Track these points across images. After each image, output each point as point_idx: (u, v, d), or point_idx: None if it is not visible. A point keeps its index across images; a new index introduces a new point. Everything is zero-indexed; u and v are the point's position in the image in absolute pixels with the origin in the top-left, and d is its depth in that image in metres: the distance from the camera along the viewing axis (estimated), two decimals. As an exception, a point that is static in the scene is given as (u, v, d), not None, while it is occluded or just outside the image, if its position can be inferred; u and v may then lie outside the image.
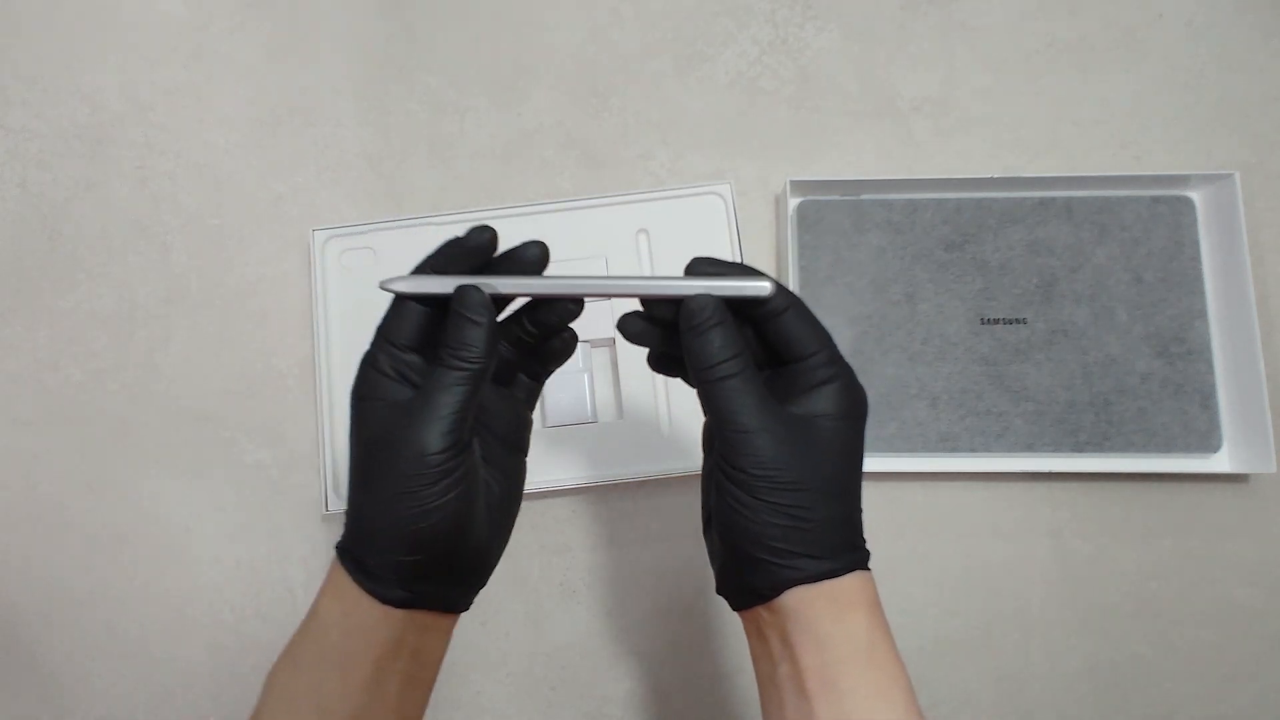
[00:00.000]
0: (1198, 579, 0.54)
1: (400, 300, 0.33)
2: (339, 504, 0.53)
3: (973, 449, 0.53)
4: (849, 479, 0.32)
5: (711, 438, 0.34)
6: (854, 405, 0.32)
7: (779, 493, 0.30)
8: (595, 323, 0.54)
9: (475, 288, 0.32)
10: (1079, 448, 0.53)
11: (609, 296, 0.34)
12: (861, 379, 0.55)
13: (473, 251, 0.33)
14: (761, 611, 0.32)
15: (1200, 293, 0.54)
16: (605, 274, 0.33)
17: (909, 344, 0.54)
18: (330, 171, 0.59)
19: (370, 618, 0.31)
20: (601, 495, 0.55)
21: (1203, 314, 0.54)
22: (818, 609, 0.30)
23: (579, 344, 0.54)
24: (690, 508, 0.55)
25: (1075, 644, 0.53)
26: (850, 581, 0.31)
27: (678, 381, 0.36)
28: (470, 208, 0.56)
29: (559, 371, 0.53)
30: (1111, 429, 0.53)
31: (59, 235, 0.59)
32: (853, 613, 0.30)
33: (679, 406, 0.54)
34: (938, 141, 0.58)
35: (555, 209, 0.56)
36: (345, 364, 0.54)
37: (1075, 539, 0.54)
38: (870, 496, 0.56)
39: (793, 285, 0.54)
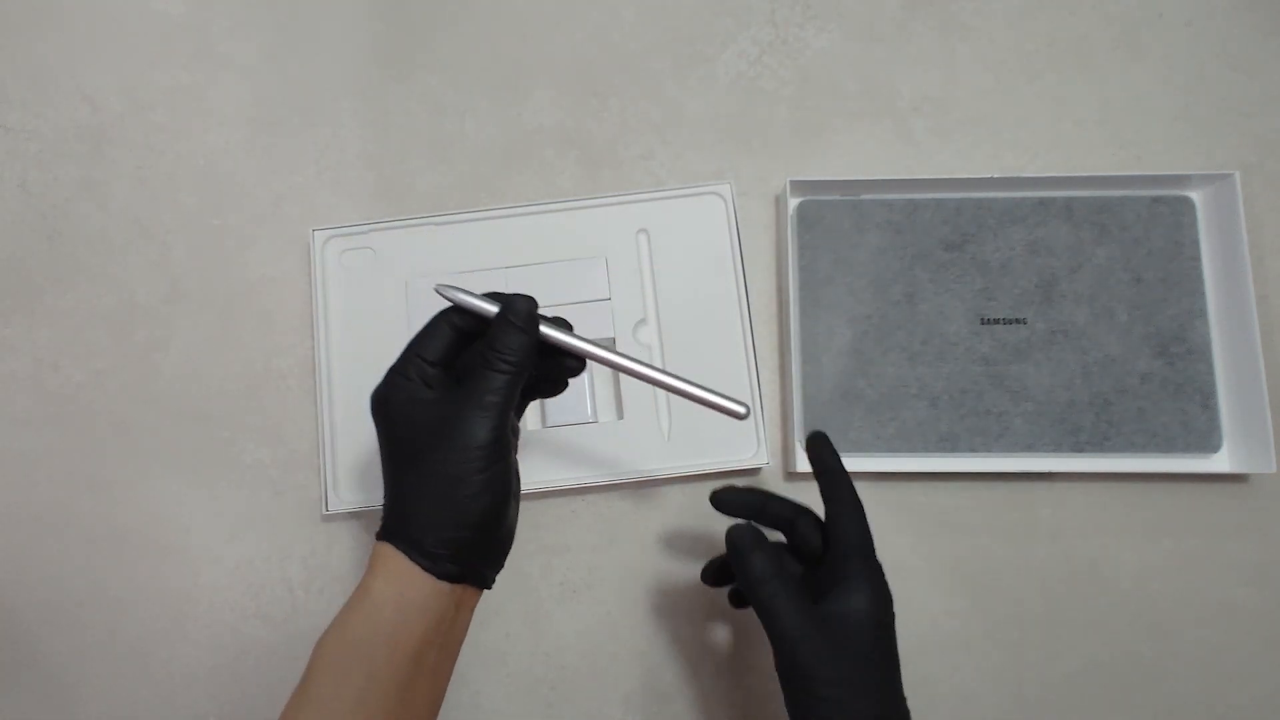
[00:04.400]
0: (1198, 579, 0.54)
1: (437, 319, 0.38)
2: (339, 504, 0.53)
3: (973, 449, 0.53)
4: (883, 677, 0.38)
5: None
6: (882, 604, 0.39)
7: (821, 687, 0.36)
8: (595, 322, 0.54)
9: (527, 297, 0.37)
10: (1079, 448, 0.53)
11: (621, 371, 0.38)
12: (861, 379, 0.56)
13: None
14: None
15: (1200, 293, 0.54)
16: (625, 355, 0.39)
17: (909, 344, 0.54)
18: (330, 171, 0.59)
19: (423, 594, 0.35)
20: (601, 495, 0.55)
21: (1203, 314, 0.54)
22: None
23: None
24: (690, 508, 0.55)
25: (1075, 644, 0.53)
26: None
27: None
28: (470, 208, 0.56)
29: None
30: (1111, 429, 0.53)
31: (59, 235, 0.59)
32: None
33: (679, 408, 0.54)
34: (938, 141, 0.58)
35: (555, 209, 0.56)
36: (345, 364, 0.54)
37: (1075, 539, 0.54)
38: (870, 496, 0.56)
39: (793, 285, 0.54)
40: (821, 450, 0.42)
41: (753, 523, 0.41)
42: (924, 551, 0.54)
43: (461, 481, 0.35)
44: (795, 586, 0.38)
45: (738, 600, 0.49)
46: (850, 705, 0.36)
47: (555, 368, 0.39)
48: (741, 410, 0.33)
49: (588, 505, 0.55)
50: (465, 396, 0.35)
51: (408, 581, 0.35)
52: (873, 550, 0.40)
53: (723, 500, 0.44)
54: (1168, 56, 0.59)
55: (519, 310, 0.36)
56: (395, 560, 0.35)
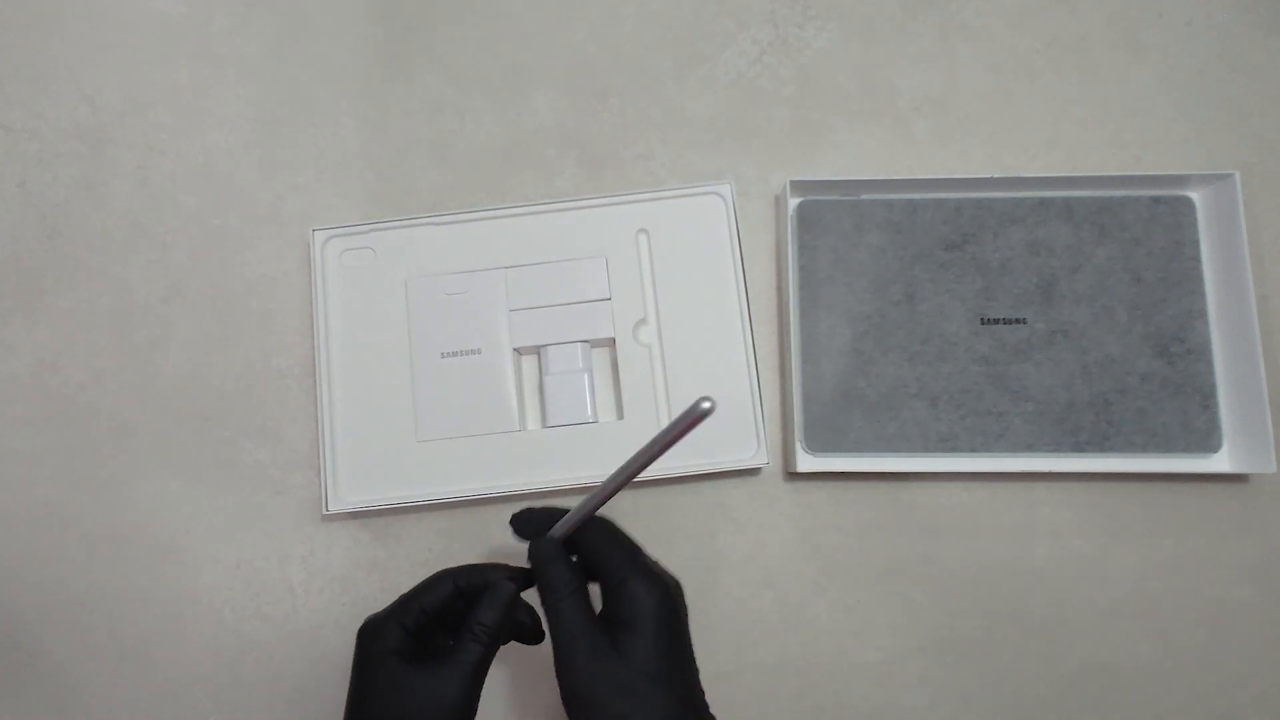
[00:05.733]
0: (1198, 579, 0.54)
1: (444, 576, 0.41)
2: (339, 504, 0.53)
3: (973, 449, 0.53)
4: (672, 679, 0.37)
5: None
6: (659, 596, 0.38)
7: (602, 696, 0.36)
8: (596, 323, 0.54)
9: (511, 583, 0.41)
10: (1079, 448, 0.53)
11: (612, 492, 0.38)
12: (862, 379, 0.55)
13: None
14: None
15: (1200, 293, 0.54)
16: (603, 488, 0.38)
17: (909, 344, 0.54)
18: (330, 171, 0.59)
19: None
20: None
21: (1203, 314, 0.54)
22: None
23: (578, 344, 0.54)
24: (690, 508, 0.55)
25: (1075, 644, 0.53)
26: None
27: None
28: (470, 207, 0.56)
29: (559, 371, 0.54)
30: (1111, 429, 0.53)
31: (59, 235, 0.59)
32: None
33: (678, 409, 0.54)
34: (938, 141, 0.58)
35: (555, 209, 0.56)
36: (345, 364, 0.54)
37: (1075, 539, 0.54)
38: (870, 496, 0.56)
39: (792, 285, 0.54)
40: (524, 527, 0.41)
41: (557, 540, 0.40)
42: (924, 551, 0.54)
43: None
44: (583, 600, 0.38)
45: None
46: (633, 717, 0.35)
47: (521, 633, 0.43)
48: (707, 405, 0.33)
49: (588, 505, 0.55)
50: (446, 657, 0.38)
51: None
52: (639, 552, 0.40)
53: (526, 522, 0.42)
54: (1168, 56, 0.59)
55: (500, 594, 0.40)
56: None
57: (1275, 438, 0.50)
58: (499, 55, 0.60)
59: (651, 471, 0.52)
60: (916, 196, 0.55)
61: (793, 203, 0.56)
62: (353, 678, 0.40)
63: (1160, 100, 0.59)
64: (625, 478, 0.37)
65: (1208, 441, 0.53)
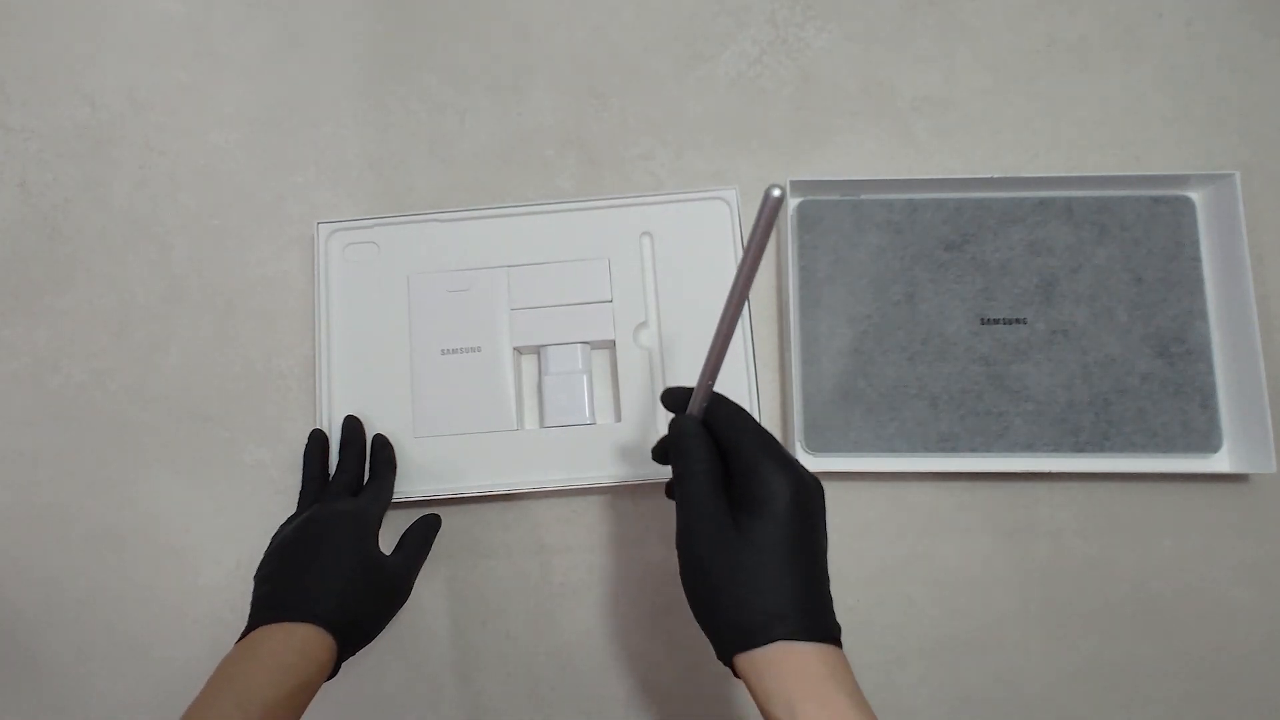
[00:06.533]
0: (1198, 579, 0.54)
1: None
2: (339, 504, 0.53)
3: (973, 449, 0.53)
4: (796, 570, 0.34)
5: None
6: (795, 489, 0.35)
7: (716, 576, 0.35)
8: (597, 324, 0.54)
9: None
10: (1079, 448, 0.53)
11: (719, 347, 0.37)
12: (862, 379, 0.55)
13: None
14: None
15: (1200, 293, 0.54)
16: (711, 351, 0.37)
17: (909, 344, 0.54)
18: (330, 171, 0.59)
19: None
20: (601, 495, 0.55)
21: (1203, 314, 0.54)
22: (758, 668, 0.34)
23: (578, 345, 0.54)
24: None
25: (1075, 644, 0.53)
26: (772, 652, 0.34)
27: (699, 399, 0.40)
28: (470, 207, 0.56)
29: (559, 372, 0.54)
30: (1111, 429, 0.53)
31: (59, 235, 0.59)
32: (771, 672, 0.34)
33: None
34: (938, 141, 0.58)
35: (557, 209, 0.56)
36: (346, 360, 0.54)
37: (1075, 539, 0.54)
38: (870, 496, 0.56)
39: (792, 285, 0.54)
40: (673, 403, 0.40)
41: (698, 417, 0.39)
42: (924, 551, 0.54)
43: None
44: (716, 477, 0.37)
45: (670, 490, 0.44)
46: (749, 600, 0.34)
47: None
48: (776, 193, 0.29)
49: (587, 505, 0.55)
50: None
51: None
52: (775, 442, 0.38)
53: (674, 397, 0.41)
54: (1168, 56, 0.59)
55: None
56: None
57: (1275, 438, 0.50)
58: (499, 55, 0.60)
59: (649, 475, 0.53)
60: (916, 196, 0.55)
61: (793, 203, 0.56)
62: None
63: (1160, 100, 0.59)
64: (735, 307, 0.35)
65: (1208, 441, 0.53)
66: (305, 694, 0.40)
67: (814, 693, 0.32)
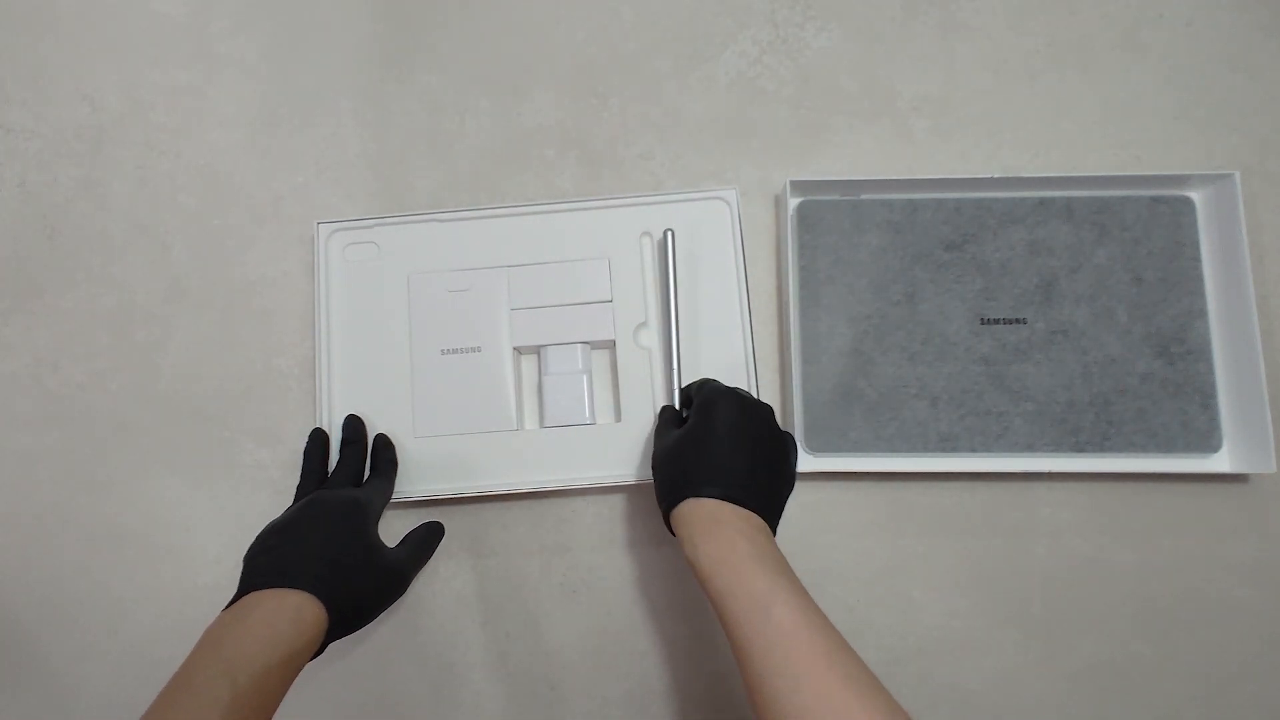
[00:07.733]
0: (1198, 579, 0.54)
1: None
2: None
3: (973, 449, 0.53)
4: (731, 462, 0.44)
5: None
6: (719, 405, 0.45)
7: (662, 466, 0.46)
8: (597, 324, 0.54)
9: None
10: (1079, 448, 0.53)
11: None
12: (862, 379, 0.56)
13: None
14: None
15: (1200, 293, 0.54)
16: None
17: (909, 344, 0.54)
18: (330, 171, 0.59)
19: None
20: (601, 496, 0.55)
21: (1203, 314, 0.54)
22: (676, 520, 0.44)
23: (578, 345, 0.54)
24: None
25: (1075, 644, 0.53)
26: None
27: (676, 388, 0.51)
28: (470, 207, 0.56)
29: (559, 372, 0.54)
30: (1111, 429, 0.53)
31: (59, 235, 0.59)
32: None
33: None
34: (938, 141, 0.58)
35: (560, 209, 0.56)
36: (346, 360, 0.54)
37: (1075, 539, 0.54)
38: (870, 496, 0.56)
39: (792, 285, 0.54)
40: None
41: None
42: (924, 551, 0.54)
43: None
44: (676, 413, 0.50)
45: None
46: (671, 474, 0.44)
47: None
48: (667, 233, 0.46)
49: (587, 505, 0.55)
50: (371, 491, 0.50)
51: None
52: (713, 381, 0.49)
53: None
54: (1168, 56, 0.59)
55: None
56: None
57: (1275, 438, 0.50)
58: (499, 55, 0.60)
59: (648, 475, 0.52)
60: (916, 196, 0.55)
61: (793, 203, 0.56)
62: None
63: (1160, 100, 0.59)
64: (670, 331, 0.50)
65: (1208, 441, 0.53)
66: (294, 665, 0.39)
67: (703, 529, 0.41)
